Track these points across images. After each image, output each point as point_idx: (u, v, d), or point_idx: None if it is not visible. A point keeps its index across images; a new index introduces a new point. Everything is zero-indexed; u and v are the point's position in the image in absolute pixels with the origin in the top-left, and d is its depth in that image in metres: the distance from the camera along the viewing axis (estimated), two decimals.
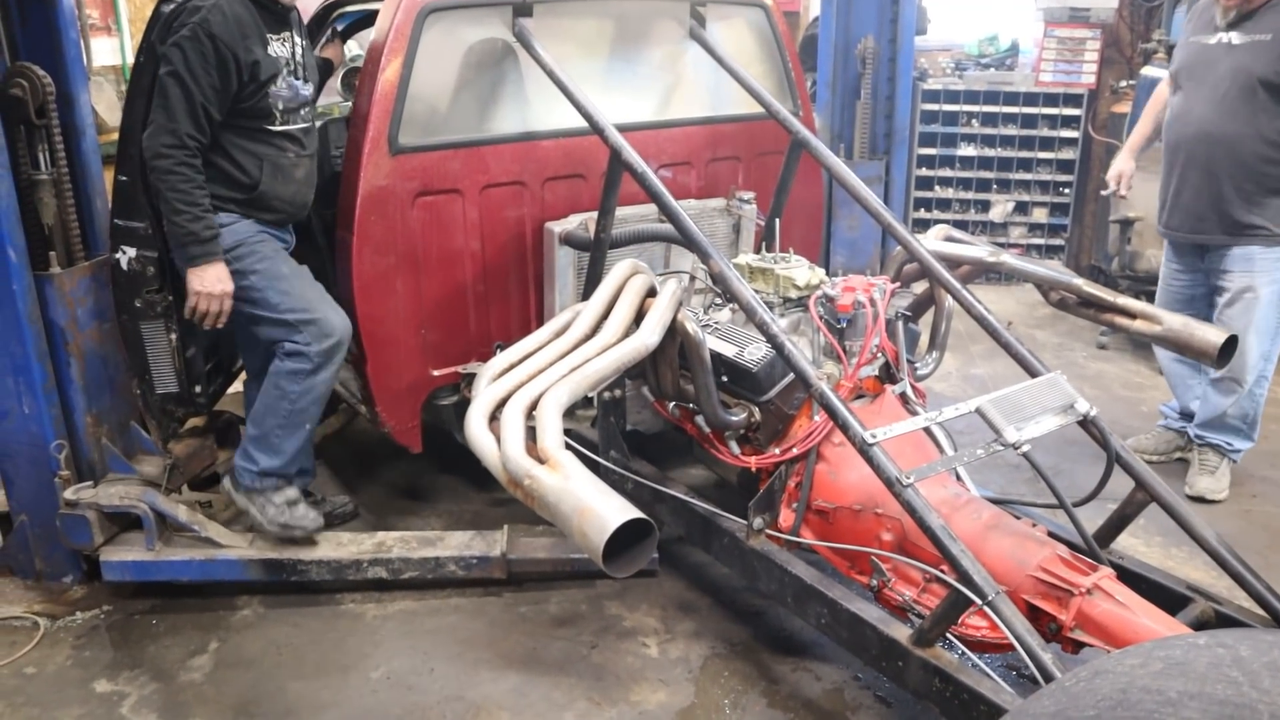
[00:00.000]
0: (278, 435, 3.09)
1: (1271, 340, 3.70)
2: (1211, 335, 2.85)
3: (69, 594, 3.21)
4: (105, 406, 3.19)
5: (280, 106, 2.99)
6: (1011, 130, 6.82)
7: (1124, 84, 6.71)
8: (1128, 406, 4.76)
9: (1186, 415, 4.09)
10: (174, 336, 3.15)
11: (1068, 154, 6.76)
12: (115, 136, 5.52)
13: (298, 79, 3.05)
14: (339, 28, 4.06)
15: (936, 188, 7.04)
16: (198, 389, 3.28)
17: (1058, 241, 6.98)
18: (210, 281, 2.89)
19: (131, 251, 3.05)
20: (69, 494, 3.06)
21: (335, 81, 4.60)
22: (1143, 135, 4.16)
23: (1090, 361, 5.42)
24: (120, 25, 5.97)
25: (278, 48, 2.97)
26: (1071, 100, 6.67)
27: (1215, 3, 3.58)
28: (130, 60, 6.04)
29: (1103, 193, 4.43)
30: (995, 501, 2.69)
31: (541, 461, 2.10)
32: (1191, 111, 3.64)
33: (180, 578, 3.14)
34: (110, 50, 5.87)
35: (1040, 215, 6.95)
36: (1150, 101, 4.20)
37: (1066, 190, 6.85)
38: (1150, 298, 5.58)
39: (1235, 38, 3.52)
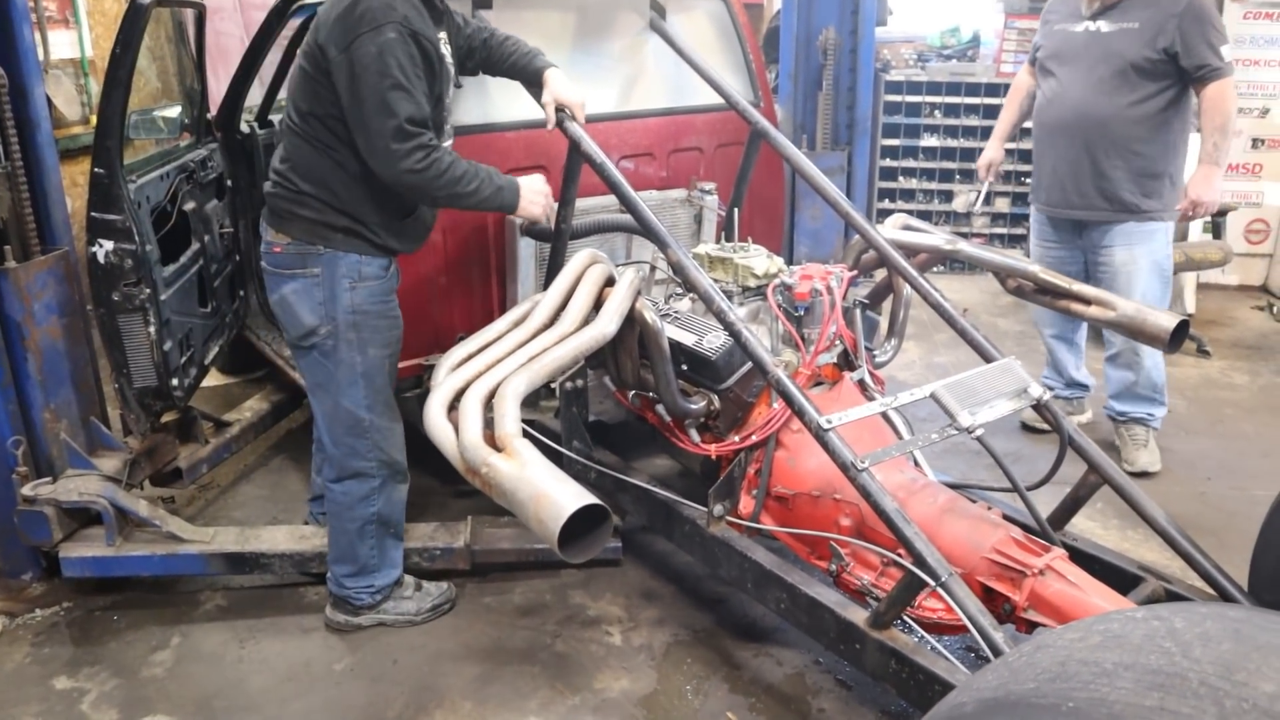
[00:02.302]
0: (374, 558, 2.91)
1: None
2: (1164, 320, 2.89)
3: (28, 591, 3.18)
4: (64, 402, 3.16)
5: (448, 118, 2.73)
6: (974, 121, 6.87)
7: None
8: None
9: (1074, 384, 4.37)
10: (152, 330, 3.14)
11: (1028, 144, 6.79)
12: (75, 130, 5.54)
13: (458, 86, 2.82)
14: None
15: (900, 178, 7.08)
16: (174, 382, 3.26)
17: (1020, 231, 7.03)
18: (532, 202, 2.72)
19: (108, 245, 3.03)
20: (27, 490, 3.03)
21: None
22: (1009, 124, 4.34)
23: None
24: (78, 18, 5.87)
25: (443, 49, 2.65)
26: None
27: None
28: (90, 53, 5.97)
29: (979, 185, 4.51)
30: (953, 486, 2.72)
31: (499, 450, 2.11)
32: (1068, 95, 3.83)
33: (141, 573, 3.14)
34: (69, 43, 5.78)
35: (1003, 205, 7.02)
36: (1011, 91, 4.37)
37: (1028, 180, 6.85)
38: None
39: (1104, 25, 3.75)
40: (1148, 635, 1.28)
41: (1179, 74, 3.66)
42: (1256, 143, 6.42)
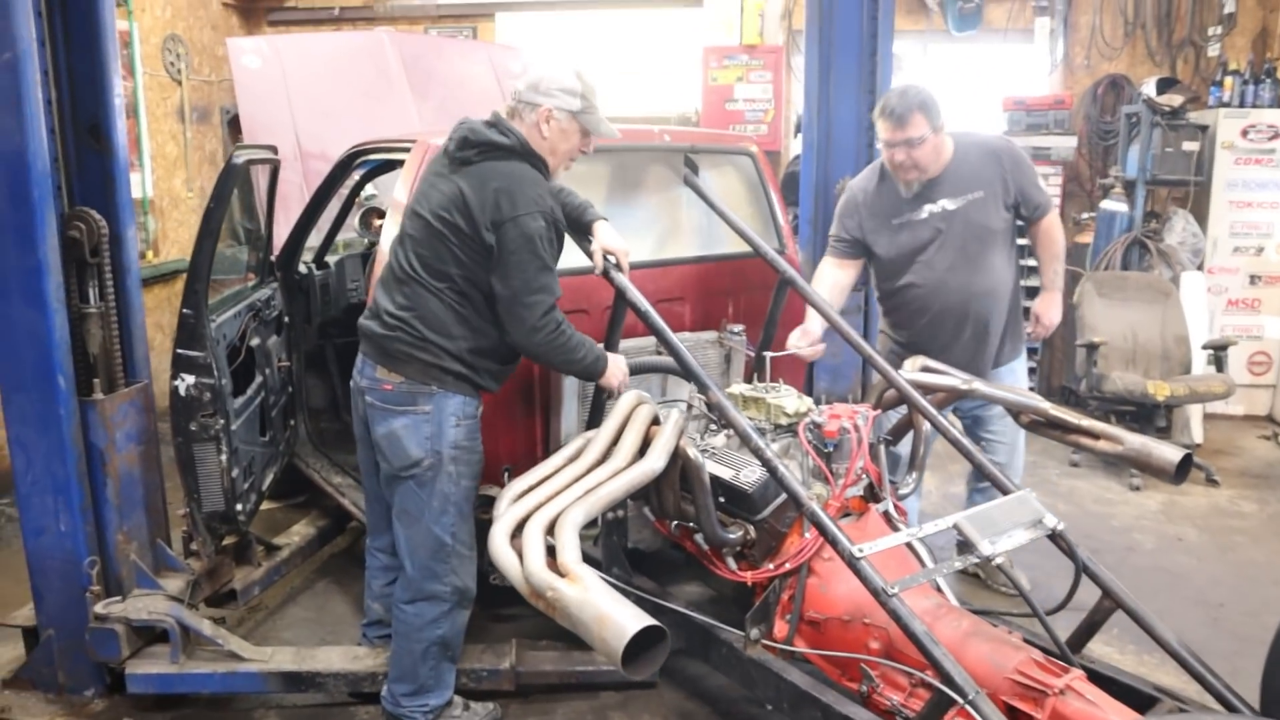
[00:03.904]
0: (432, 678, 3.07)
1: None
2: (1169, 454, 3.07)
3: (90, 707, 3.32)
4: (136, 525, 3.37)
5: None
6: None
7: (1085, 216, 7.17)
8: (1099, 521, 4.99)
9: None
10: (224, 458, 3.37)
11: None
12: None
13: None
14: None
15: None
16: (239, 507, 3.48)
17: (1031, 364, 7.28)
18: (613, 374, 3.05)
19: (190, 379, 3.31)
20: (99, 608, 3.20)
21: (353, 220, 4.93)
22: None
23: (1063, 479, 5.66)
24: (143, 161, 6.33)
25: None
26: None
27: (889, 181, 3.79)
28: (150, 193, 6.40)
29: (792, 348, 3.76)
30: (975, 612, 2.89)
31: (562, 575, 2.30)
32: (950, 280, 3.79)
33: (203, 690, 3.28)
34: (133, 184, 6.19)
35: None
36: (817, 282, 3.93)
37: None
38: (1120, 417, 5.93)
39: (948, 204, 3.75)
40: None
41: (1016, 219, 3.88)
42: (1254, 279, 6.72)
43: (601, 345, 3.10)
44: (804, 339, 3.69)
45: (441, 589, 2.99)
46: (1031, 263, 4.33)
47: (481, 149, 2.87)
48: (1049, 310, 4.05)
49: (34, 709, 3.31)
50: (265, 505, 4.96)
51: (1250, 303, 6.75)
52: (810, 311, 3.75)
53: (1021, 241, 4.07)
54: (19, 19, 2.91)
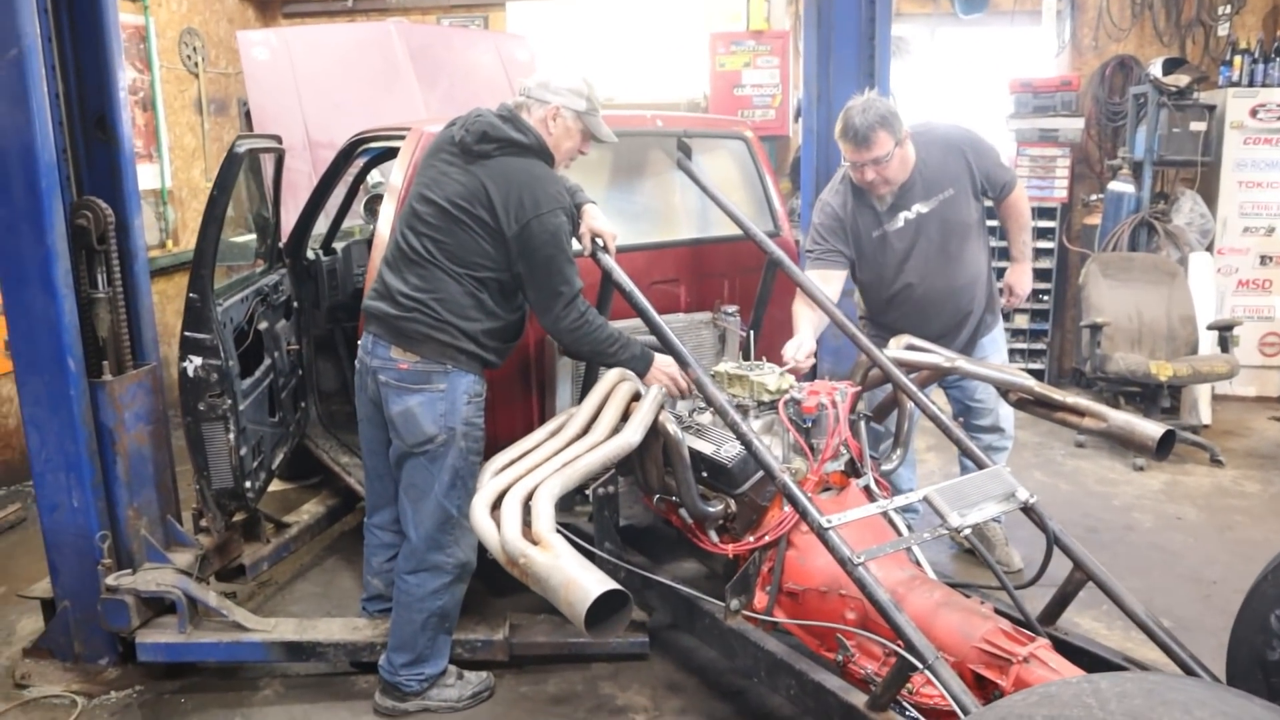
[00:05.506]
0: (429, 648, 3.19)
1: None
2: (1151, 429, 3.10)
3: (104, 674, 3.46)
4: (145, 501, 3.50)
5: None
6: (991, 243, 7.20)
7: (1094, 198, 7.17)
8: (1100, 500, 5.02)
9: None
10: (231, 436, 3.50)
11: (1045, 264, 7.14)
12: (153, 254, 6.06)
13: None
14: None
15: None
16: (247, 485, 3.61)
17: (1040, 346, 7.31)
18: (665, 374, 3.12)
19: (198, 360, 3.44)
20: (110, 580, 3.34)
21: (359, 206, 5.04)
22: (814, 328, 3.71)
23: (1068, 459, 5.68)
24: (161, 153, 6.47)
25: None
26: (1046, 214, 7.09)
27: (861, 195, 3.81)
28: (169, 184, 6.54)
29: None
30: (952, 585, 2.95)
31: (535, 543, 2.40)
32: (934, 282, 3.87)
33: (209, 659, 3.42)
34: (151, 175, 6.36)
35: (1022, 322, 7.30)
36: (803, 300, 3.72)
37: (1045, 298, 7.21)
38: (1128, 398, 5.95)
39: (921, 208, 3.80)
40: (1075, 694, 1.54)
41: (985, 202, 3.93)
42: (1265, 259, 6.69)
43: (642, 344, 3.13)
44: (800, 352, 3.48)
45: (445, 560, 3.11)
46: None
47: (501, 145, 2.99)
48: (1020, 280, 4.18)
49: (52, 676, 3.46)
50: (280, 486, 5.13)
51: (1261, 283, 6.73)
52: (801, 324, 3.66)
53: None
54: (24, 16, 3.03)
